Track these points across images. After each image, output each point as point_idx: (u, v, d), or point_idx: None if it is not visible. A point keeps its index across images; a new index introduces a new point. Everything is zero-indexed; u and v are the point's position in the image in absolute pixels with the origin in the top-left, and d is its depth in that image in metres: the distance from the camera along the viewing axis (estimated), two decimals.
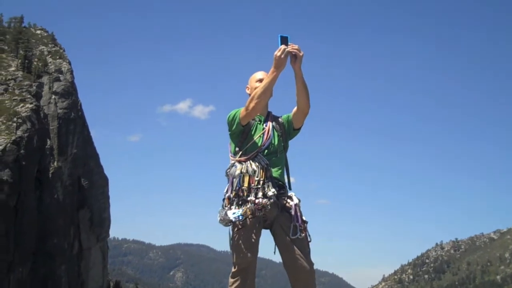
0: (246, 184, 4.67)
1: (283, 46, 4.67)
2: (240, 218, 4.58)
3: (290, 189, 5.06)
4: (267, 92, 4.75)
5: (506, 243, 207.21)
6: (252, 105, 4.74)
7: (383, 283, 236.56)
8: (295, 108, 5.03)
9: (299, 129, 5.15)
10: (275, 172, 4.87)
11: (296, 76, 4.78)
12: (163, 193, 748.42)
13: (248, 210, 4.57)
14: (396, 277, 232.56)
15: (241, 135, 4.93)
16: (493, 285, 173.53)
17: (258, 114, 5.02)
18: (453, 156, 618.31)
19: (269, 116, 5.12)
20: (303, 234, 4.77)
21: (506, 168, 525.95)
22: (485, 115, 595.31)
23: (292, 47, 4.70)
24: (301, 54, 4.72)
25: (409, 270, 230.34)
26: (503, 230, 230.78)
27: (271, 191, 4.65)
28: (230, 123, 4.94)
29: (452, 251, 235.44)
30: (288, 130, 5.11)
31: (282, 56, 4.65)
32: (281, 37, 4.72)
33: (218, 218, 4.72)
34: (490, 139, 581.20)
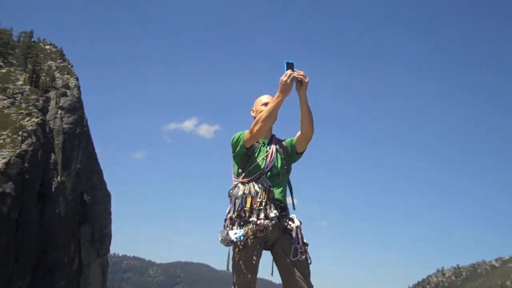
0: (248, 205, 4.72)
1: (289, 71, 4.72)
2: (242, 239, 4.62)
3: (294, 209, 5.09)
4: (272, 116, 4.81)
5: (508, 271, 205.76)
6: (256, 128, 4.80)
7: None
8: (298, 133, 5.07)
9: (302, 153, 5.19)
10: (277, 194, 4.91)
11: (301, 101, 4.82)
12: (165, 211, 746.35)
13: (249, 231, 4.61)
14: None
15: (244, 157, 4.98)
16: None
17: (262, 137, 5.11)
18: (456, 183, 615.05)
19: (272, 139, 5.16)
20: (304, 256, 4.80)
21: (510, 196, 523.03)
22: (489, 141, 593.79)
23: (298, 73, 4.75)
24: (306, 80, 4.78)
25: None
26: (505, 258, 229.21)
27: (273, 213, 4.69)
28: (234, 145, 4.99)
29: (453, 278, 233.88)
30: (291, 154, 5.15)
31: (288, 81, 4.69)
32: (287, 63, 4.77)
33: (220, 238, 4.74)
34: (493, 166, 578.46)
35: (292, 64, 4.80)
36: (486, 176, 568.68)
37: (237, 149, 4.99)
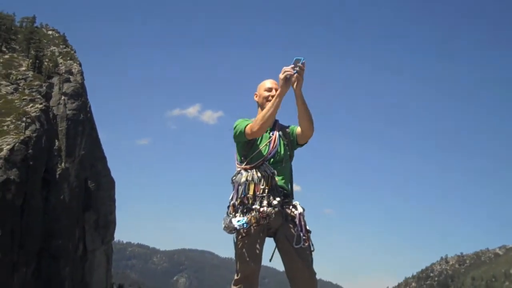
0: (251, 192, 4.65)
1: (285, 68, 4.62)
2: (245, 226, 4.55)
3: (293, 198, 5.02)
4: (274, 112, 4.70)
5: (511, 259, 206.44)
6: (257, 127, 4.70)
7: None
8: (299, 129, 4.99)
9: (303, 145, 5.12)
10: (280, 180, 4.84)
11: (297, 98, 4.70)
12: (169, 198, 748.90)
13: (252, 218, 4.55)
14: None
15: (246, 145, 4.91)
16: None
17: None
18: (460, 170, 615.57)
19: (276, 125, 5.08)
20: (306, 244, 4.73)
21: None
22: (494, 129, 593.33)
23: (298, 68, 4.61)
24: (299, 76, 4.62)
25: (413, 284, 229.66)
26: (508, 246, 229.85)
27: (276, 200, 4.62)
28: (236, 135, 4.92)
29: (457, 266, 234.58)
30: (293, 142, 5.06)
31: (282, 77, 4.61)
32: (296, 59, 4.65)
33: (223, 225, 4.69)
34: (497, 153, 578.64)
35: (299, 59, 4.65)
36: (490, 165, 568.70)
37: (239, 139, 4.92)
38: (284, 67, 4.63)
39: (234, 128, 4.93)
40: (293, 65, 4.61)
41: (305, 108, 4.76)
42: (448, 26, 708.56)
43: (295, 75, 4.60)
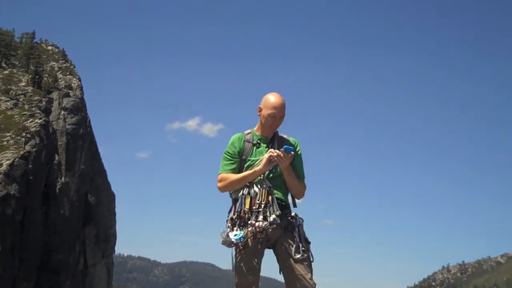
0: (247, 206, 4.68)
1: (267, 157, 4.73)
2: (241, 240, 4.58)
3: (295, 206, 5.06)
4: (242, 184, 4.82)
5: None
6: (221, 187, 4.90)
7: None
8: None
9: None
10: (278, 193, 4.87)
11: (284, 173, 4.86)
12: (170, 210, 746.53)
13: (249, 233, 4.58)
14: None
15: (243, 161, 4.96)
16: None
17: (259, 135, 5.04)
18: (461, 179, 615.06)
19: (275, 137, 5.07)
20: (306, 254, 4.77)
21: None
22: (495, 138, 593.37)
23: (282, 157, 4.70)
24: (284, 162, 4.73)
25: None
26: (510, 254, 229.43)
27: (273, 215, 4.63)
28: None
29: (458, 274, 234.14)
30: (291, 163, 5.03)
31: (266, 156, 4.74)
32: (286, 148, 4.70)
33: (221, 240, 4.70)
34: (499, 162, 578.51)
35: (290, 150, 4.72)
36: (491, 173, 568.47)
37: None
38: (271, 150, 4.75)
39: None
40: (281, 152, 4.68)
41: (295, 180, 4.91)
42: (441, 30, 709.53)
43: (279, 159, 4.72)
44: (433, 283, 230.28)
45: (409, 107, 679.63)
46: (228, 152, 4.98)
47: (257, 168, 4.72)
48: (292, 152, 4.71)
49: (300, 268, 4.73)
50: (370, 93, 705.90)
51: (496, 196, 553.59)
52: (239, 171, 4.93)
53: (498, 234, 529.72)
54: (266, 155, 4.70)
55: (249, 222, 4.63)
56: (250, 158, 4.93)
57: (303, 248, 4.77)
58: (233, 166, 4.92)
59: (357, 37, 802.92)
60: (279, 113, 4.92)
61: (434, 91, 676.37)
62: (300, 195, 4.99)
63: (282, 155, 4.66)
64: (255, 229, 4.58)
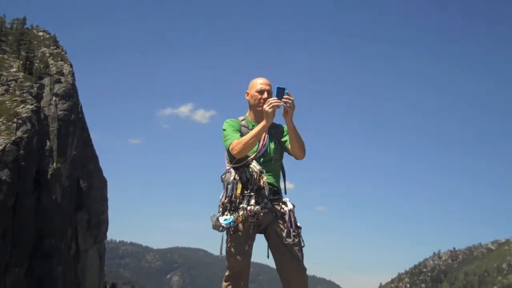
0: (239, 191, 4.70)
1: (271, 100, 4.63)
2: (232, 225, 4.61)
3: (285, 193, 5.07)
4: (254, 141, 4.74)
5: (504, 253, 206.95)
6: (236, 152, 4.75)
7: None
8: (290, 147, 5.00)
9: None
10: (270, 178, 4.88)
11: (288, 127, 4.75)
12: (162, 196, 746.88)
13: (240, 217, 4.60)
14: (393, 285, 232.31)
15: None
16: None
17: (254, 121, 5.05)
18: (452, 167, 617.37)
19: None
20: (297, 239, 4.78)
21: (505, 179, 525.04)
22: (485, 125, 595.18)
23: (287, 99, 4.62)
24: (291, 108, 4.64)
25: (406, 279, 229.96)
26: (501, 241, 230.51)
27: (265, 200, 4.69)
28: (224, 144, 4.97)
29: (449, 261, 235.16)
30: (283, 144, 5.08)
31: (267, 109, 4.61)
32: (278, 88, 4.65)
33: (211, 224, 4.72)
34: (489, 149, 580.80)
35: (283, 89, 4.64)
36: (482, 161, 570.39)
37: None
38: (270, 99, 4.65)
39: (223, 136, 4.97)
40: (276, 97, 4.63)
41: (297, 136, 4.81)
42: (444, 26, 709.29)
43: (283, 106, 4.63)
44: (424, 270, 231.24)
45: (397, 95, 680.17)
46: (231, 125, 4.98)
47: (264, 122, 4.66)
48: (287, 91, 4.64)
49: (291, 253, 4.75)
50: (361, 82, 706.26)
51: (487, 184, 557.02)
52: None
53: (489, 221, 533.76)
54: (266, 108, 4.61)
55: (240, 206, 4.65)
56: None
57: (294, 233, 4.76)
58: (239, 134, 4.91)
59: (350, 28, 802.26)
60: (264, 85, 4.96)
61: (421, 78, 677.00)
62: (303, 151, 4.92)
63: (281, 101, 4.63)
64: (247, 213, 4.61)
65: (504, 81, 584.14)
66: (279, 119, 5.12)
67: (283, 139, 5.10)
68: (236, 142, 4.77)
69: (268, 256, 4.92)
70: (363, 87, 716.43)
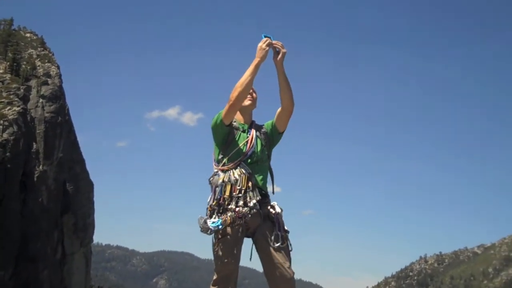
0: (227, 193, 4.71)
1: (266, 38, 4.83)
2: (220, 227, 4.61)
3: (273, 193, 5.12)
4: (250, 80, 4.81)
5: (490, 258, 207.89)
6: (235, 94, 4.79)
7: None
8: (279, 109, 5.10)
9: (282, 133, 5.20)
10: (258, 181, 4.90)
11: (278, 71, 4.91)
12: (148, 200, 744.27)
13: (228, 219, 4.60)
14: None
15: (225, 141, 4.96)
16: None
17: (242, 123, 5.07)
18: (438, 170, 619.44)
19: (252, 125, 5.15)
20: (284, 244, 4.82)
21: (491, 184, 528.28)
22: (473, 128, 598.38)
23: (275, 43, 4.85)
24: (284, 50, 4.86)
25: (393, 283, 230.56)
26: (487, 245, 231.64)
27: (253, 201, 4.68)
28: (214, 126, 4.98)
29: (435, 265, 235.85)
30: (271, 136, 5.16)
31: (264, 46, 4.78)
32: (265, 36, 4.86)
33: (199, 227, 4.70)
34: (476, 153, 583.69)
35: (269, 37, 4.87)
36: (468, 164, 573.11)
37: (218, 129, 4.98)
38: (265, 39, 4.83)
39: (212, 122, 5.01)
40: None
41: (287, 81, 4.93)
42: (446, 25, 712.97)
43: (273, 49, 4.89)
44: (411, 274, 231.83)
45: (388, 94, 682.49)
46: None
47: (257, 59, 4.80)
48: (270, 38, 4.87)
49: (279, 257, 4.78)
50: (346, 81, 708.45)
51: (474, 188, 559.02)
52: (222, 154, 4.97)
53: (475, 225, 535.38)
54: (261, 44, 4.81)
55: (228, 207, 4.65)
56: (236, 140, 4.97)
57: (282, 237, 4.81)
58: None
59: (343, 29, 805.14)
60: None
61: (401, 74, 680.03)
62: (292, 100, 5.00)
63: (269, 45, 4.85)
64: (235, 214, 4.61)
65: (491, 79, 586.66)
66: (260, 117, 5.18)
67: (269, 125, 5.22)
68: (232, 91, 4.85)
69: (250, 259, 4.96)
70: (351, 88, 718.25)
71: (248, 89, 4.84)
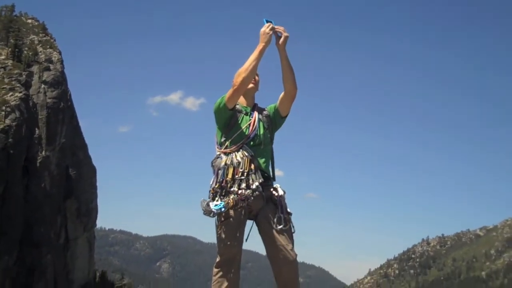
0: (230, 176, 4.72)
1: (269, 23, 4.87)
2: (222, 210, 4.63)
3: (274, 180, 5.11)
4: (254, 64, 4.84)
5: (492, 239, 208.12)
6: (240, 79, 4.80)
7: (369, 277, 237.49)
8: (282, 93, 5.10)
9: (286, 117, 5.22)
10: (260, 163, 4.93)
11: (281, 56, 4.92)
12: (151, 184, 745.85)
13: (231, 201, 4.62)
14: (382, 271, 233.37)
15: (228, 124, 4.98)
16: (478, 281, 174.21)
17: (245, 105, 5.11)
18: (440, 153, 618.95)
19: (255, 108, 5.16)
20: (287, 226, 4.85)
21: (494, 166, 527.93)
22: (474, 112, 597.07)
23: (277, 28, 4.88)
24: (286, 34, 4.89)
25: (395, 265, 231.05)
26: (489, 227, 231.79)
27: (255, 183, 4.70)
28: (217, 109, 4.98)
29: (438, 247, 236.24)
30: (274, 119, 5.17)
31: (267, 30, 4.82)
32: (266, 21, 4.91)
33: (202, 210, 4.72)
34: (477, 136, 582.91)
35: (271, 22, 4.92)
36: (471, 146, 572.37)
37: (221, 113, 4.98)
38: (268, 23, 4.88)
39: (215, 105, 5.00)
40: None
41: (289, 66, 4.95)
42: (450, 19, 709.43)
43: (276, 35, 4.92)
44: (413, 256, 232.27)
45: (387, 83, 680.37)
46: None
47: (261, 44, 4.84)
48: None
49: (281, 239, 4.80)
50: (351, 71, 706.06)
51: (476, 171, 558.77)
52: (225, 137, 5.00)
53: (477, 207, 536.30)
54: (264, 29, 4.86)
55: (231, 189, 4.68)
56: (239, 123, 4.98)
57: (284, 219, 4.83)
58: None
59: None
60: None
61: (396, 60, 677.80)
62: (295, 84, 5.05)
63: (272, 29, 4.89)
64: (238, 196, 4.64)
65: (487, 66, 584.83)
66: (264, 102, 5.23)
67: (272, 108, 5.24)
68: (236, 75, 4.88)
69: (246, 240, 4.93)
70: (354, 75, 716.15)
71: (252, 74, 4.85)
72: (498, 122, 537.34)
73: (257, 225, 4.94)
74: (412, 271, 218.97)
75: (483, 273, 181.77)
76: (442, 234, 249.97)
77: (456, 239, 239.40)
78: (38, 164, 56.39)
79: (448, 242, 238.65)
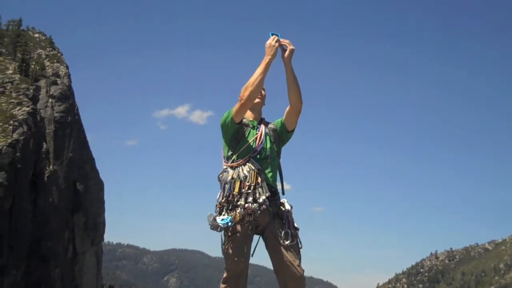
0: (237, 190, 4.68)
1: (274, 36, 4.90)
2: (229, 224, 4.59)
3: (283, 194, 5.10)
4: (261, 78, 4.83)
5: (501, 254, 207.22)
6: (247, 93, 4.79)
7: None
8: (288, 108, 5.09)
9: (293, 131, 5.19)
10: (268, 177, 4.89)
11: (287, 69, 4.91)
12: (159, 198, 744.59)
13: (237, 215, 4.58)
14: (390, 286, 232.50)
15: (235, 138, 4.95)
16: None
17: (251, 119, 5.07)
18: (449, 167, 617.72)
19: (262, 122, 5.15)
20: (294, 241, 4.80)
21: (502, 179, 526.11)
22: (483, 125, 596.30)
23: (283, 41, 4.90)
24: (291, 47, 4.89)
25: (404, 279, 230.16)
26: (498, 241, 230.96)
27: (262, 197, 4.65)
28: (224, 124, 4.97)
29: (446, 261, 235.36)
30: (281, 134, 5.14)
31: (273, 43, 4.83)
32: (272, 34, 4.93)
33: (209, 224, 4.71)
34: (486, 149, 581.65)
35: (277, 35, 4.94)
36: (479, 160, 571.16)
37: (227, 127, 4.96)
38: (274, 36, 4.90)
39: (222, 119, 4.99)
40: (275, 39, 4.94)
41: (295, 79, 4.94)
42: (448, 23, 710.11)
43: (282, 48, 4.94)
44: (422, 270, 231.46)
45: (393, 95, 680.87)
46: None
47: (268, 57, 4.84)
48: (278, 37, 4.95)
49: (288, 255, 4.76)
50: (358, 83, 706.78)
51: (484, 184, 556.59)
52: (232, 151, 4.96)
53: (486, 221, 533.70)
54: (272, 42, 4.88)
55: (238, 204, 4.64)
56: (246, 137, 4.96)
57: (292, 234, 4.79)
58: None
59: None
60: None
61: (408, 73, 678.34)
62: (300, 97, 5.02)
63: (278, 42, 4.91)
64: (245, 210, 4.59)
65: (492, 78, 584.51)
66: (271, 116, 5.19)
67: (279, 123, 5.21)
68: (243, 89, 4.88)
69: (252, 255, 4.89)
70: (360, 87, 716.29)
71: (259, 88, 4.84)
72: (506, 136, 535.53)
73: (264, 240, 4.91)
74: (421, 285, 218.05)
75: (492, 287, 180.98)
76: (451, 248, 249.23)
77: (464, 253, 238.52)
78: (45, 178, 56.54)
79: (457, 256, 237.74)
